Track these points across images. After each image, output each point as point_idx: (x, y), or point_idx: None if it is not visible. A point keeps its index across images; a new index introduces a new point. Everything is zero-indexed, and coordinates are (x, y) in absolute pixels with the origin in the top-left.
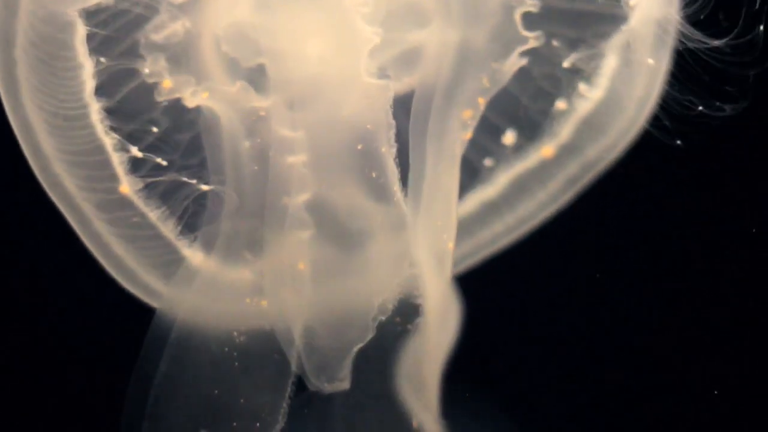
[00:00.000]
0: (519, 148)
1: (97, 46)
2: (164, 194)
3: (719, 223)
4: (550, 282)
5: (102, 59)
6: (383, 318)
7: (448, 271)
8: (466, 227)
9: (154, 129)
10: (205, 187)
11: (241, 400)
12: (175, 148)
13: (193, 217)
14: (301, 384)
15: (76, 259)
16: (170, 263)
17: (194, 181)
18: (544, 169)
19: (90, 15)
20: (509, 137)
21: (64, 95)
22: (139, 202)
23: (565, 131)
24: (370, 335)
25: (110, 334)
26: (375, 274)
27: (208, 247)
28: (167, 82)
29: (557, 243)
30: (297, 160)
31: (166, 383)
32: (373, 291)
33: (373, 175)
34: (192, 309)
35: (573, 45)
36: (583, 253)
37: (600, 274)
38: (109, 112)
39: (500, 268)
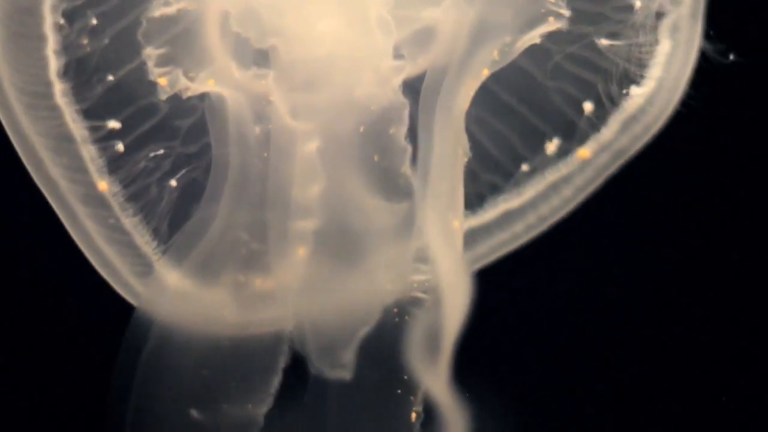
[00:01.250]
0: (559, 154)
1: (84, 24)
2: (142, 197)
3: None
4: (561, 277)
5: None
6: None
7: (457, 248)
8: (486, 229)
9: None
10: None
11: (232, 382)
12: (174, 135)
13: (172, 226)
14: (295, 371)
15: (64, 252)
16: (145, 274)
17: (188, 170)
18: (578, 169)
19: None
20: (552, 145)
21: (29, 73)
22: (114, 203)
23: (608, 131)
24: (376, 318)
25: (97, 330)
26: (380, 267)
27: (182, 262)
28: (169, 69)
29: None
30: (306, 146)
31: (153, 365)
32: (379, 281)
33: (383, 160)
34: (170, 316)
35: (618, 34)
36: (593, 248)
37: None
38: (85, 96)
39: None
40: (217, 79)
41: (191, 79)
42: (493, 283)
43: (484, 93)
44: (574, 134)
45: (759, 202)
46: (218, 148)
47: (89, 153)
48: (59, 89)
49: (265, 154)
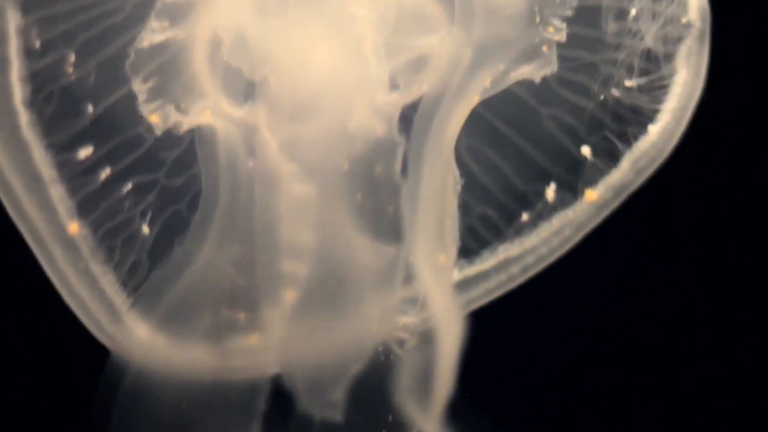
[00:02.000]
0: (561, 200)
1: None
2: (122, 231)
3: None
4: (555, 314)
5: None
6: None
7: (447, 285)
8: (483, 275)
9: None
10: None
11: (211, 424)
12: (158, 167)
13: (153, 260)
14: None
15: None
16: (116, 321)
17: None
18: (582, 212)
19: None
20: (552, 190)
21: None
22: (84, 247)
23: (618, 172)
24: (366, 358)
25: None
26: (369, 307)
27: (155, 308)
28: (159, 103)
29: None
30: (294, 182)
31: (129, 406)
32: (368, 321)
33: (367, 200)
34: (144, 363)
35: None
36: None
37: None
38: (61, 129)
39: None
40: (209, 111)
41: (184, 112)
42: (487, 321)
43: (477, 121)
44: (574, 175)
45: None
46: (208, 181)
47: (58, 192)
48: (25, 120)
49: (255, 189)
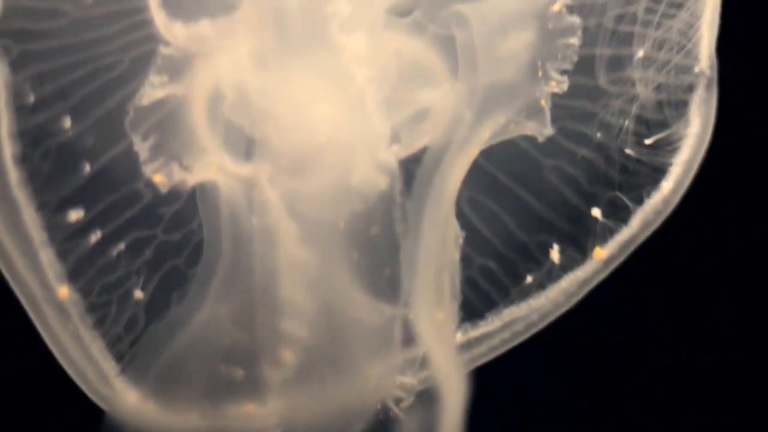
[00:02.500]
0: (570, 261)
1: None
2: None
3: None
4: (559, 367)
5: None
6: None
7: (449, 343)
8: (487, 335)
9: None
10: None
11: None
12: (156, 222)
13: (150, 315)
14: None
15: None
16: (107, 386)
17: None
18: (589, 270)
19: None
20: (556, 252)
21: None
22: (74, 312)
23: (628, 230)
24: (367, 417)
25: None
26: (369, 366)
27: (149, 369)
28: (162, 162)
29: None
30: (293, 240)
31: None
32: (368, 380)
33: (363, 259)
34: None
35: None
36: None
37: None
38: (55, 187)
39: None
40: (211, 167)
41: (187, 169)
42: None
43: (477, 172)
44: (576, 227)
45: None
46: (210, 236)
47: (48, 257)
48: (15, 178)
49: (255, 246)
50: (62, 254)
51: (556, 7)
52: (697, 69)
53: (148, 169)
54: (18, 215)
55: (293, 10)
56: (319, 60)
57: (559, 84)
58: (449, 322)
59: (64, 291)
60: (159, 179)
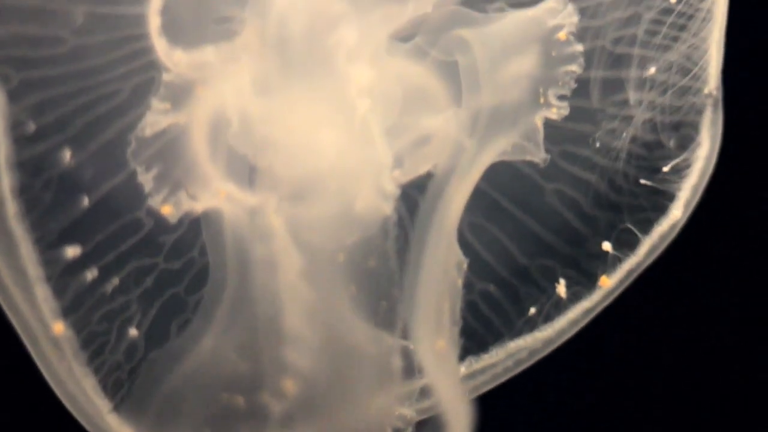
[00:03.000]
0: (576, 294)
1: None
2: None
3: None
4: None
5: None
6: None
7: (450, 367)
8: (491, 365)
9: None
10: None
11: None
12: (158, 251)
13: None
14: None
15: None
16: (102, 421)
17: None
18: (595, 299)
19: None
20: (563, 287)
21: None
22: (67, 347)
23: (635, 258)
24: None
25: None
26: (370, 396)
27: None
28: (167, 192)
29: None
30: (299, 269)
31: None
32: (370, 409)
33: (360, 291)
34: None
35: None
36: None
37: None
38: (55, 218)
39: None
40: (215, 195)
41: (193, 198)
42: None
43: (478, 196)
44: (583, 259)
45: None
46: (215, 265)
47: (43, 292)
48: (13, 211)
49: (259, 275)
50: (59, 290)
51: (562, 35)
52: (706, 90)
53: (155, 202)
54: (15, 249)
55: (297, 37)
56: (322, 87)
57: (560, 110)
58: (450, 349)
59: (59, 327)
60: (167, 210)
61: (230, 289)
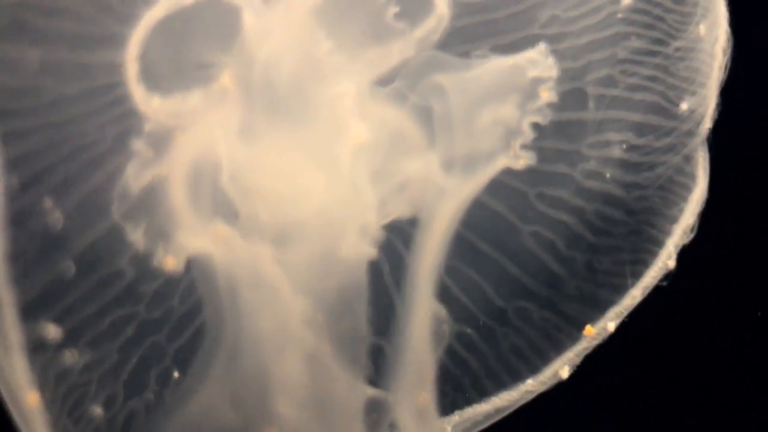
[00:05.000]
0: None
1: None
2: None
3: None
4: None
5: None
6: None
7: (431, 422)
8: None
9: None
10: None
11: None
12: (138, 301)
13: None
14: None
15: None
16: None
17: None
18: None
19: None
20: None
21: None
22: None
23: (629, 300)
24: None
25: None
26: None
27: None
28: (159, 245)
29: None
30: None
31: None
32: None
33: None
34: None
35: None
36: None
37: None
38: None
39: None
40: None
41: (178, 246)
42: None
43: (455, 239)
44: (560, 301)
45: None
46: (210, 315)
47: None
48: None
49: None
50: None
51: (543, 92)
52: (705, 129)
53: (154, 260)
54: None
55: (282, 83)
56: (308, 132)
57: (527, 159)
58: (431, 403)
59: (33, 398)
60: (171, 264)
61: (226, 339)
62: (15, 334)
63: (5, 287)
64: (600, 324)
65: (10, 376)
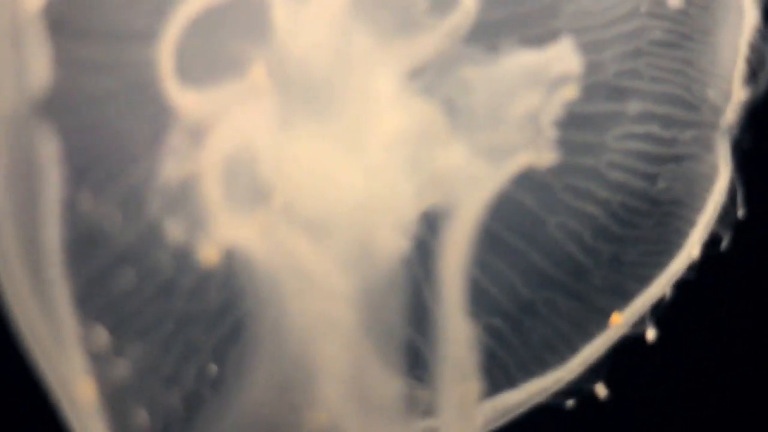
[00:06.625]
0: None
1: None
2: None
3: None
4: None
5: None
6: None
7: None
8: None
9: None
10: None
11: None
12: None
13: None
14: None
15: None
16: None
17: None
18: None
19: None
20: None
21: None
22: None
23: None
24: None
25: None
26: None
27: None
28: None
29: None
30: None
31: None
32: None
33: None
34: None
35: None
36: None
37: None
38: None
39: None
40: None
41: (216, 239)
42: None
43: (483, 232)
44: (586, 292)
45: None
46: (250, 305)
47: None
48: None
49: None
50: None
51: (569, 86)
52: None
53: (196, 258)
54: (53, 306)
55: (319, 75)
56: (344, 123)
57: (553, 152)
58: (472, 396)
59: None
60: (209, 256)
61: (266, 330)
62: (70, 328)
63: (61, 280)
64: (627, 313)
65: (64, 371)
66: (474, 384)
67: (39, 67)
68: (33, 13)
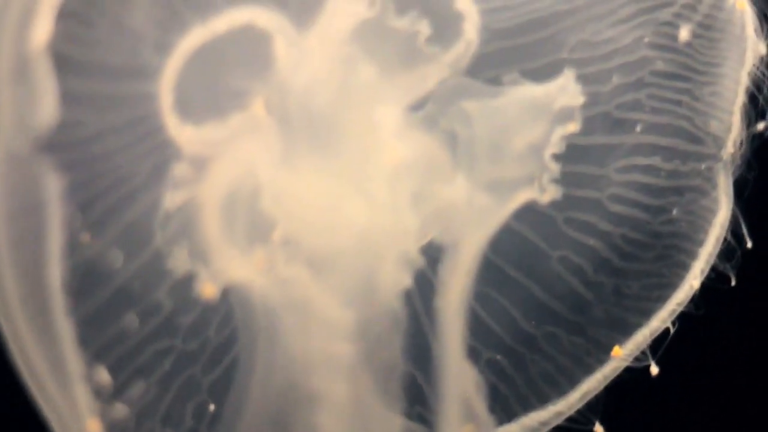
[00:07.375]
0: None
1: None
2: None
3: None
4: None
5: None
6: None
7: None
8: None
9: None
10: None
11: None
12: (175, 332)
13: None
14: None
15: None
16: None
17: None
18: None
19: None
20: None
21: None
22: None
23: (651, 326)
24: None
25: None
26: None
27: None
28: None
29: None
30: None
31: None
32: None
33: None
34: None
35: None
36: None
37: None
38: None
39: None
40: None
41: (215, 274)
42: None
43: (484, 265)
44: (588, 325)
45: None
46: (245, 341)
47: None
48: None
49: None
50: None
51: (571, 119)
52: (714, 154)
53: (193, 290)
54: (57, 343)
55: (321, 109)
56: (347, 157)
57: (556, 185)
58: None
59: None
60: (209, 291)
61: (260, 365)
62: (75, 365)
63: (63, 319)
64: (628, 346)
65: (66, 409)
66: (476, 425)
67: (46, 103)
68: (39, 50)
